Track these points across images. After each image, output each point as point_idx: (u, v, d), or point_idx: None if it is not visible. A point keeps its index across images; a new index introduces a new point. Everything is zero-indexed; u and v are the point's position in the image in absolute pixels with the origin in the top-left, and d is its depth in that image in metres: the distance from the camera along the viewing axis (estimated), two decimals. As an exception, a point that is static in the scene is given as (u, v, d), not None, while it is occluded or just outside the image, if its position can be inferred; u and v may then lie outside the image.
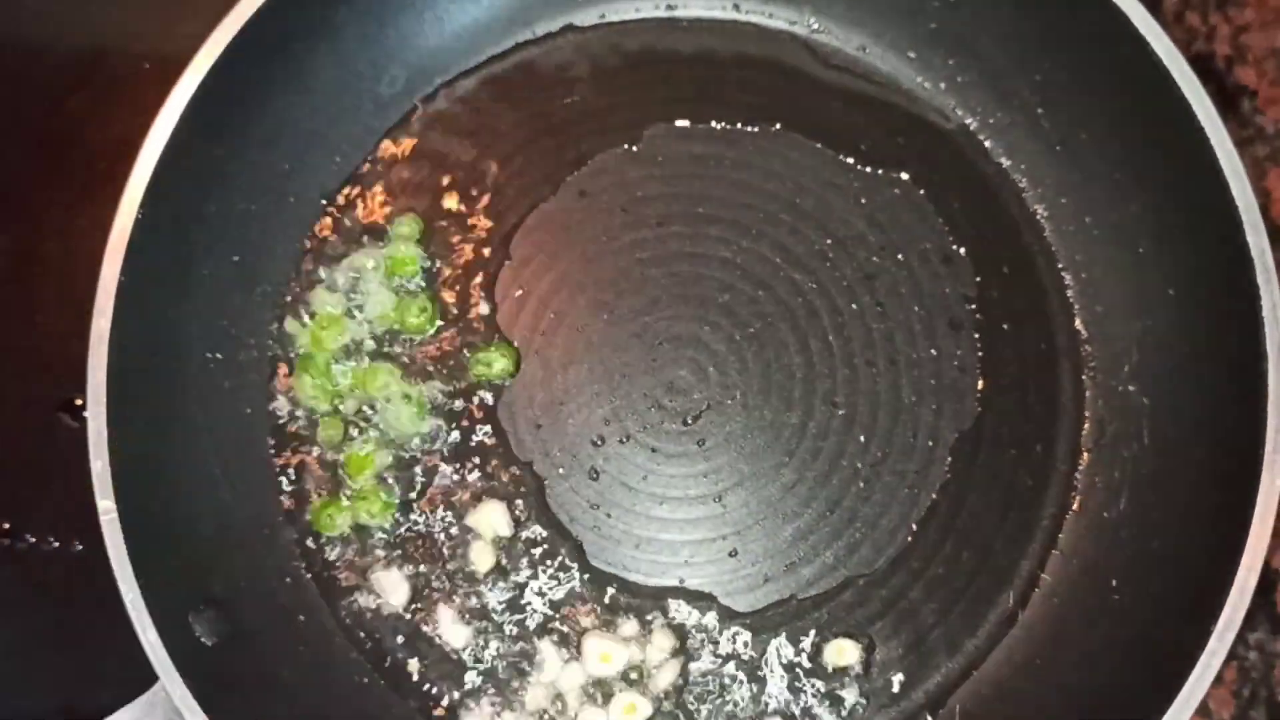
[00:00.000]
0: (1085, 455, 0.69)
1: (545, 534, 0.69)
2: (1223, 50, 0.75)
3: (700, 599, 0.68)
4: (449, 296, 0.71)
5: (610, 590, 0.68)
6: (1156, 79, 0.63)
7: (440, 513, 0.69)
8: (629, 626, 0.68)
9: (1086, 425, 0.70)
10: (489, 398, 0.70)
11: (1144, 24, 0.63)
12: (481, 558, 0.68)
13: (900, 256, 0.71)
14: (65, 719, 0.68)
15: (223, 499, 0.67)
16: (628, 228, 0.72)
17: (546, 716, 0.67)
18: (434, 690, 0.68)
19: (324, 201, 0.72)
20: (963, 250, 0.72)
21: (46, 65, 0.77)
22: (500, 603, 0.68)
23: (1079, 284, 0.71)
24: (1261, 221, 0.61)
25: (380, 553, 0.69)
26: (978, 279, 0.71)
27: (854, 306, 0.71)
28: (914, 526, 0.69)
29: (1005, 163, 0.72)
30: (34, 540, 0.72)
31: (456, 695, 0.68)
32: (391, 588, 0.68)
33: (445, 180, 0.73)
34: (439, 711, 0.68)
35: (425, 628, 0.68)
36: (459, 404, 0.70)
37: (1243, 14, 0.76)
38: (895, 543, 0.69)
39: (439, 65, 0.74)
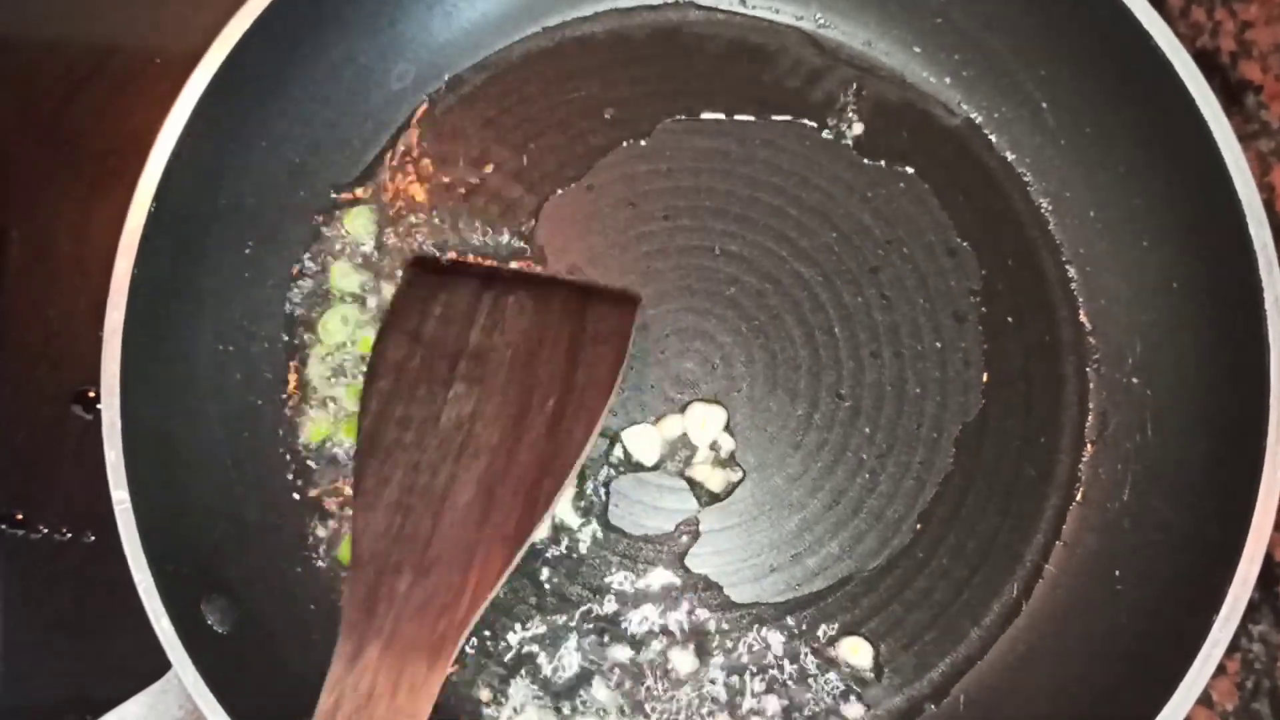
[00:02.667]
0: (1089, 447, 0.70)
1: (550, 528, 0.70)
2: (1228, 45, 0.76)
3: (706, 588, 0.69)
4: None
5: (613, 577, 0.69)
6: (1160, 74, 0.63)
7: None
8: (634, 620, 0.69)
9: (1090, 417, 0.70)
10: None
11: (1148, 18, 0.63)
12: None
13: (905, 250, 0.72)
14: (79, 707, 0.68)
15: (234, 489, 0.68)
16: (635, 221, 0.72)
17: (553, 703, 0.68)
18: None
19: (334, 194, 0.73)
20: (967, 243, 0.72)
21: (58, 61, 0.77)
22: (505, 590, 0.69)
23: (1083, 277, 0.71)
24: (1265, 215, 0.61)
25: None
26: (982, 272, 0.72)
27: (859, 299, 0.71)
28: (918, 518, 0.69)
29: (1010, 156, 0.73)
30: (47, 531, 0.72)
31: (467, 681, 0.68)
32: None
33: (453, 174, 0.73)
34: (443, 704, 0.68)
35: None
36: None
37: (1248, 9, 0.76)
38: (900, 534, 0.69)
39: (448, 60, 0.74)
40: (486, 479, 0.61)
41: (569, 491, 0.69)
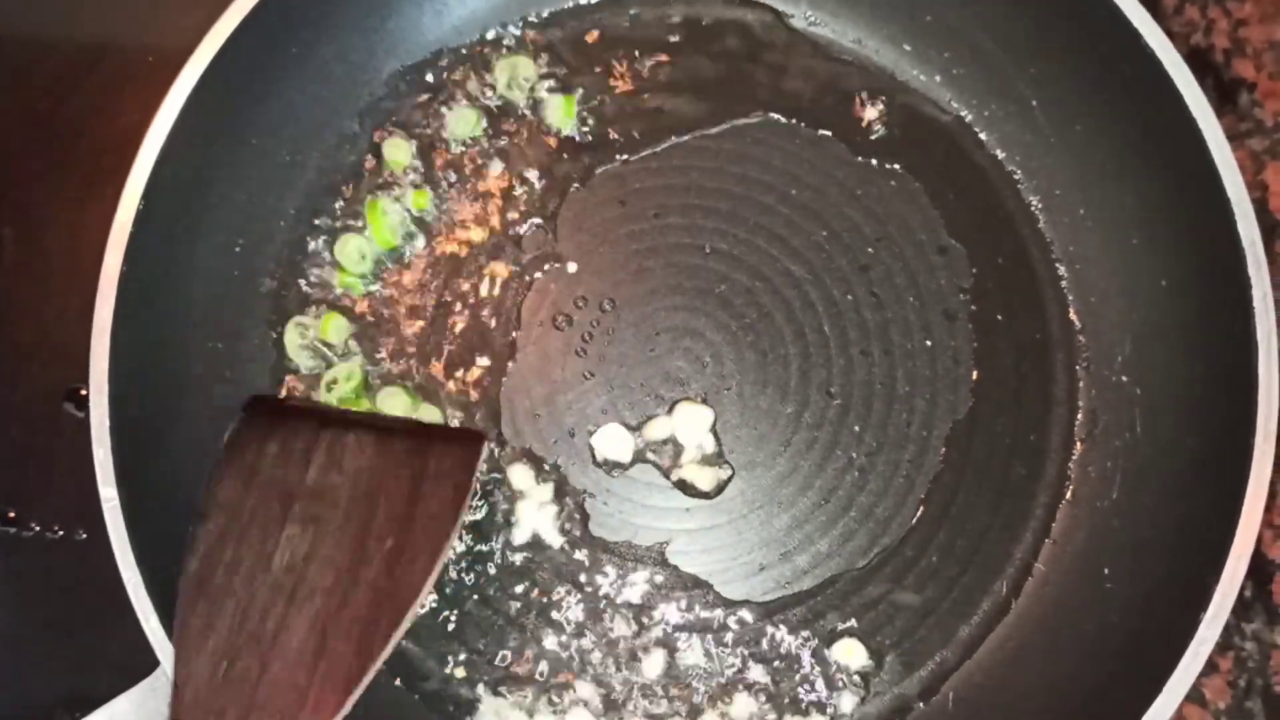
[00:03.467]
0: (1078, 445, 0.70)
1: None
2: (1221, 43, 0.75)
3: (696, 586, 0.69)
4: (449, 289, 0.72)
5: (604, 575, 0.69)
6: (1150, 72, 0.63)
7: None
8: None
9: (1079, 415, 0.70)
10: (490, 387, 0.71)
11: (1137, 17, 0.63)
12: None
13: (896, 248, 0.72)
14: (68, 704, 0.68)
15: (224, 487, 0.68)
16: (625, 219, 0.72)
17: (556, 702, 0.68)
18: (435, 675, 0.68)
19: (325, 193, 0.73)
20: (958, 242, 0.72)
21: (52, 60, 0.77)
22: (496, 589, 0.69)
23: (1073, 275, 0.71)
24: (1253, 212, 0.61)
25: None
26: (973, 270, 0.72)
27: (849, 297, 0.71)
28: (908, 515, 0.69)
29: (1000, 155, 0.73)
30: (39, 529, 0.72)
31: (459, 680, 0.68)
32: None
33: (442, 170, 0.73)
34: (437, 696, 0.68)
35: (425, 616, 0.69)
36: (457, 392, 0.71)
37: (1242, 7, 0.76)
38: (890, 531, 0.69)
39: (438, 57, 0.74)
40: (319, 621, 0.59)
41: (550, 509, 0.70)
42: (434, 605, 0.69)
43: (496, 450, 0.70)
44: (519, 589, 0.69)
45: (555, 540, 0.69)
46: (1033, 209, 0.72)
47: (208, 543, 0.61)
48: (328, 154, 0.73)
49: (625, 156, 0.73)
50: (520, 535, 0.70)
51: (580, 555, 0.69)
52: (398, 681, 0.68)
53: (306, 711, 0.57)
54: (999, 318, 0.71)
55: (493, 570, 0.69)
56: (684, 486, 0.70)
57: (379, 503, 0.62)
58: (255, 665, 0.58)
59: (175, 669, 0.58)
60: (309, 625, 0.59)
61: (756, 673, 0.68)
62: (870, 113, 0.73)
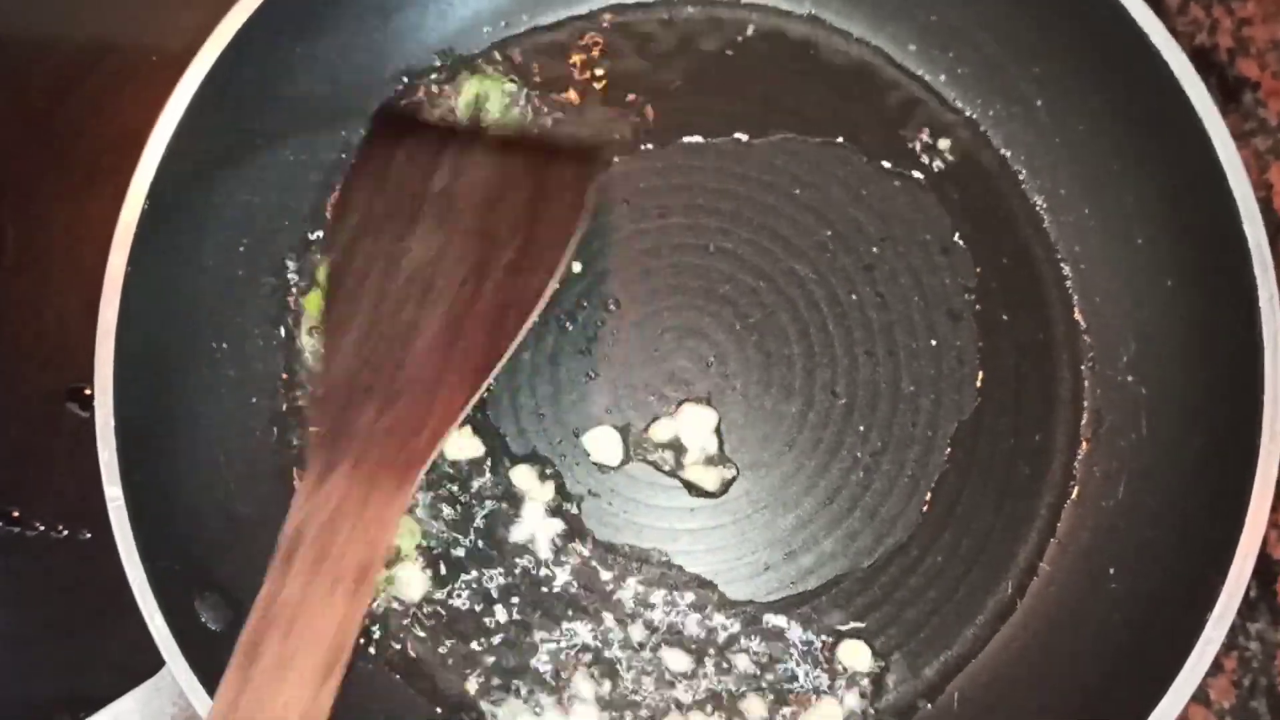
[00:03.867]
0: (1083, 445, 0.70)
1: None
2: (1225, 43, 0.75)
3: (700, 586, 0.69)
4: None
5: (609, 575, 0.69)
6: (1154, 70, 0.63)
7: (444, 506, 0.70)
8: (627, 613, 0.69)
9: (1085, 415, 0.70)
10: (493, 386, 0.71)
11: (1142, 16, 0.63)
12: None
13: (900, 247, 0.72)
14: (71, 704, 0.68)
15: (228, 486, 0.68)
16: (629, 219, 0.72)
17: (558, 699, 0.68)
18: (438, 673, 0.69)
19: (332, 192, 0.73)
20: (962, 241, 0.72)
21: (54, 58, 0.77)
22: (499, 589, 0.69)
23: (1077, 275, 0.71)
24: (1259, 213, 0.61)
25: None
26: (977, 270, 0.71)
27: (854, 297, 0.71)
28: (913, 515, 0.69)
29: (1005, 154, 0.73)
30: (42, 528, 0.72)
31: (458, 679, 0.68)
32: (406, 580, 0.69)
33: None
34: (439, 694, 0.68)
35: (428, 613, 0.69)
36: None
37: (1245, 6, 0.76)
38: (894, 531, 0.69)
39: (442, 57, 0.74)
40: (451, 316, 0.63)
41: (553, 510, 0.70)
42: (433, 605, 0.69)
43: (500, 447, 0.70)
44: (521, 589, 0.69)
45: (558, 541, 0.69)
46: (1037, 208, 0.72)
47: (346, 236, 0.66)
48: (333, 153, 0.72)
49: (628, 156, 0.73)
50: (522, 535, 0.70)
51: (584, 555, 0.69)
52: (400, 679, 0.69)
53: (443, 394, 0.61)
54: (1004, 317, 0.71)
55: (495, 571, 0.69)
56: (688, 486, 0.70)
57: (502, 210, 0.66)
58: (395, 351, 0.63)
59: (323, 352, 0.63)
60: (443, 319, 0.63)
61: (760, 673, 0.68)
62: (873, 112, 0.73)
